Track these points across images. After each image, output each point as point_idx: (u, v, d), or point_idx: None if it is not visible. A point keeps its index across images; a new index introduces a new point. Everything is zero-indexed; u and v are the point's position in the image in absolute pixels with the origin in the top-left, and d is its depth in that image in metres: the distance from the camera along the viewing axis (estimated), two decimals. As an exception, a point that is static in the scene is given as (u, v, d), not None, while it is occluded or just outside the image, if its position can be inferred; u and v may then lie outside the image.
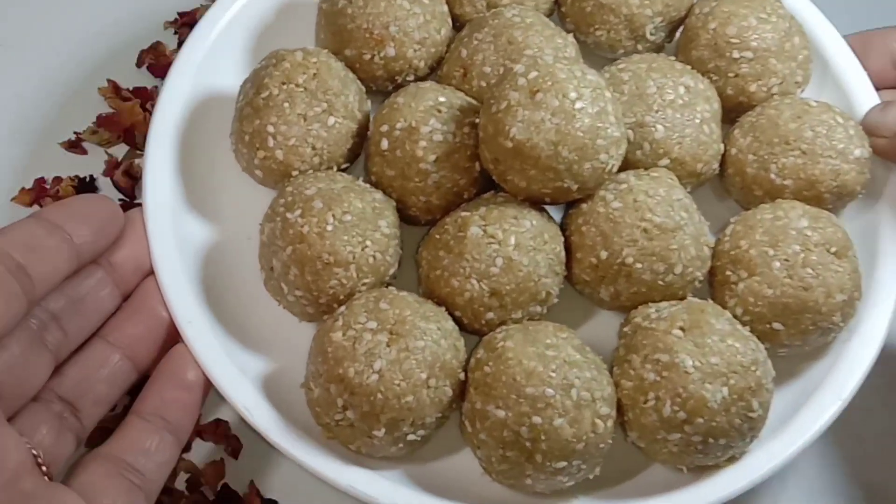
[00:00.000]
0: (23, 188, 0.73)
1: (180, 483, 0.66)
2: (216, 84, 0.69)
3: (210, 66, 0.69)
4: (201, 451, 0.66)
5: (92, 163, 0.74)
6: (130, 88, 0.76)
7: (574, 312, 0.66)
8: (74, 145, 0.75)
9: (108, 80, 0.77)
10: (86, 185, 0.73)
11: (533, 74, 0.60)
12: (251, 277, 0.64)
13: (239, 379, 0.61)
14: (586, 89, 0.60)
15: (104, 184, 0.74)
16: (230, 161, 0.66)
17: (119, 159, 0.74)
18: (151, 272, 0.63)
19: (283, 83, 0.64)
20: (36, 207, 0.72)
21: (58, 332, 0.58)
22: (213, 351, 0.61)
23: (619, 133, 0.61)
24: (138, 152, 0.74)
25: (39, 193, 0.73)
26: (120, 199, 0.73)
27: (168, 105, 0.67)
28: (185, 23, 0.79)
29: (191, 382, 0.60)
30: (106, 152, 0.75)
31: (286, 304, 0.62)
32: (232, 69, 0.70)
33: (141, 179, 0.65)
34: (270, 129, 0.63)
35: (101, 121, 0.75)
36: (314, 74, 0.64)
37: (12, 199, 0.73)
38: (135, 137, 0.74)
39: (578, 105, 0.59)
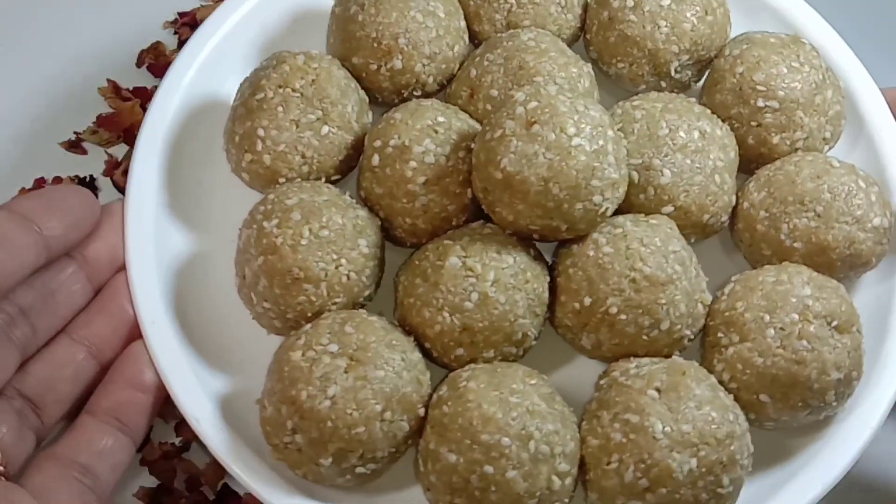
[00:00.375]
0: (23, 188, 0.72)
1: (180, 483, 0.65)
2: (220, 86, 0.67)
3: (215, 67, 0.67)
4: (201, 452, 0.65)
5: (92, 163, 0.73)
6: (130, 88, 0.75)
7: (557, 356, 0.63)
8: (74, 145, 0.74)
9: (108, 80, 0.76)
10: (86, 185, 0.72)
11: (532, 104, 0.57)
12: (227, 285, 0.62)
13: (193, 386, 0.59)
14: (586, 125, 0.56)
15: (104, 184, 0.73)
16: (221, 164, 0.64)
17: (119, 159, 0.73)
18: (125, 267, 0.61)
19: (280, 86, 0.62)
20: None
21: (26, 327, 0.57)
22: (171, 355, 0.59)
23: (618, 175, 0.57)
24: (138, 152, 0.74)
25: (39, 193, 0.72)
26: (120, 199, 0.71)
27: (164, 102, 0.65)
28: (186, 23, 0.78)
29: (147, 383, 0.59)
30: (106, 152, 0.74)
31: (255, 314, 0.60)
32: (239, 72, 0.67)
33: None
34: (261, 132, 0.61)
35: (101, 121, 0.74)
36: (313, 80, 0.62)
37: (12, 199, 0.72)
38: (135, 137, 0.72)
39: (576, 141, 0.56)
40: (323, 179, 0.62)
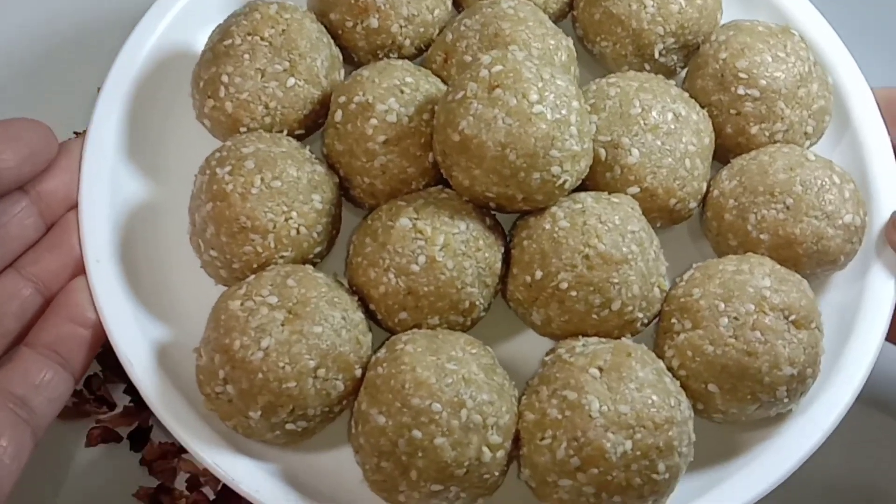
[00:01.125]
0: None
1: (180, 483, 0.65)
2: (194, 37, 0.65)
3: (192, 16, 0.66)
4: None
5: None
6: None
7: (508, 331, 0.61)
8: (73, 145, 0.73)
9: (109, 80, 0.75)
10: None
11: (497, 68, 0.55)
12: (179, 234, 0.60)
13: (132, 329, 0.58)
14: (550, 94, 0.55)
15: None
16: (188, 114, 0.63)
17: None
18: None
19: (249, 34, 0.61)
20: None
21: None
22: (112, 294, 0.58)
23: (580, 148, 0.56)
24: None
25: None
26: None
27: (137, 47, 0.64)
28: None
29: (88, 319, 0.58)
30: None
31: (203, 263, 0.59)
32: (216, 23, 0.64)
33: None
34: (225, 78, 0.60)
35: (101, 120, 0.73)
36: (283, 31, 0.61)
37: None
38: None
39: (537, 109, 0.54)
40: (285, 132, 0.61)
